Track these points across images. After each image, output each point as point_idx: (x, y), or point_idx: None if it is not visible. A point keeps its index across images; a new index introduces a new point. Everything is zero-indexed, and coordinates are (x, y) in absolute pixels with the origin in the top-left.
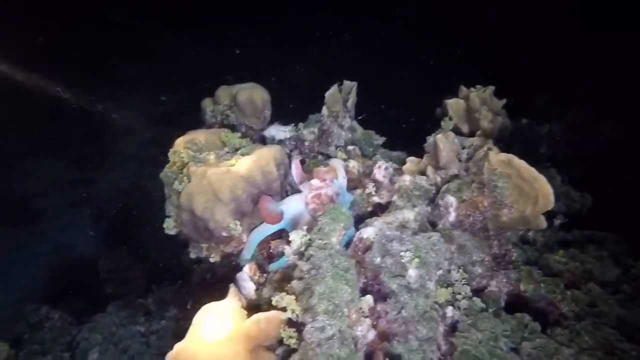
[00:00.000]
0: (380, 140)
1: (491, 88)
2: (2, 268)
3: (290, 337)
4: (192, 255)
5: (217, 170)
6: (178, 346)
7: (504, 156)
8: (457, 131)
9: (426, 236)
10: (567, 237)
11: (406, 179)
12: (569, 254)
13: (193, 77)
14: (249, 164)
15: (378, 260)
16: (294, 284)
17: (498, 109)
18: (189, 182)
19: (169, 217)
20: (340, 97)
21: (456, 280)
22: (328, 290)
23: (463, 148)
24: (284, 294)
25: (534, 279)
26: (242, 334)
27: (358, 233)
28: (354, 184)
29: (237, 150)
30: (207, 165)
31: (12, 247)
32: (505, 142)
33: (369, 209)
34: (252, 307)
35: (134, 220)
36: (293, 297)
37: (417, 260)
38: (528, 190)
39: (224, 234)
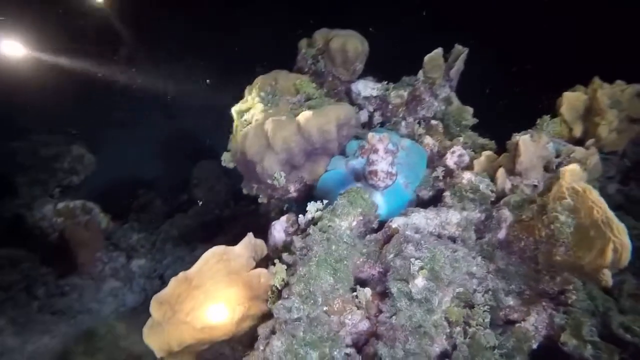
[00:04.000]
0: (470, 121)
1: (636, 87)
2: (128, 157)
3: (273, 302)
4: (245, 191)
5: (277, 119)
6: (184, 274)
7: (580, 185)
8: (566, 133)
9: (451, 248)
10: None
11: (465, 177)
12: None
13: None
14: (308, 119)
15: (391, 256)
16: (285, 256)
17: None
18: (251, 122)
19: (228, 150)
20: (442, 62)
21: (478, 304)
22: (307, 276)
23: (558, 156)
24: (277, 261)
25: (581, 335)
26: (244, 282)
27: (391, 219)
28: None
29: (308, 100)
30: (272, 109)
31: (128, 144)
32: (636, 159)
33: (431, 192)
34: (277, 256)
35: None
36: (284, 266)
37: (425, 271)
38: (595, 235)
39: (269, 181)
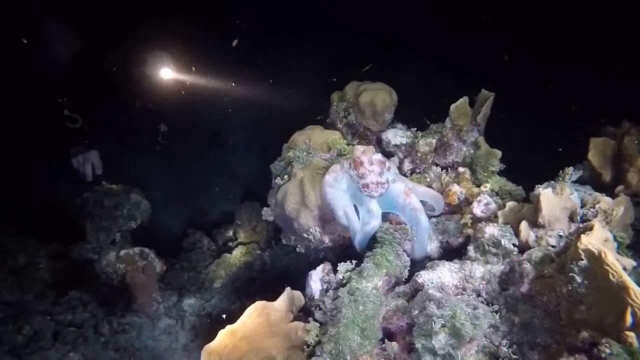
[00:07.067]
0: (497, 166)
1: None
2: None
3: (308, 357)
4: (284, 242)
5: (310, 177)
6: (230, 327)
7: (596, 248)
8: (594, 179)
9: (472, 305)
10: None
11: (487, 231)
12: None
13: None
14: None
15: (415, 312)
16: (317, 315)
17: None
18: (288, 180)
19: (268, 205)
20: (468, 110)
21: (503, 358)
22: (337, 336)
23: (583, 206)
24: (311, 319)
25: None
26: (283, 333)
27: (417, 274)
28: (452, 209)
29: (340, 156)
30: (307, 168)
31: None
32: None
33: (460, 239)
34: (314, 305)
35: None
36: (317, 324)
37: (446, 329)
38: (614, 298)
39: (305, 235)
